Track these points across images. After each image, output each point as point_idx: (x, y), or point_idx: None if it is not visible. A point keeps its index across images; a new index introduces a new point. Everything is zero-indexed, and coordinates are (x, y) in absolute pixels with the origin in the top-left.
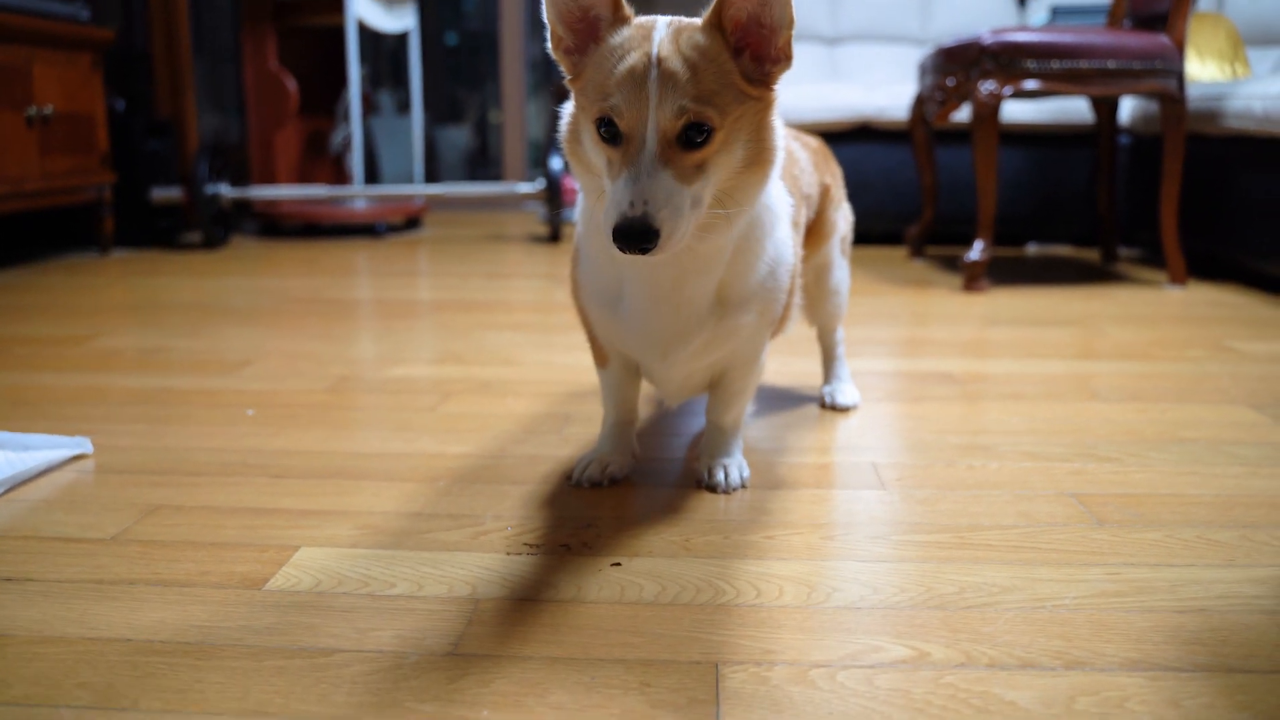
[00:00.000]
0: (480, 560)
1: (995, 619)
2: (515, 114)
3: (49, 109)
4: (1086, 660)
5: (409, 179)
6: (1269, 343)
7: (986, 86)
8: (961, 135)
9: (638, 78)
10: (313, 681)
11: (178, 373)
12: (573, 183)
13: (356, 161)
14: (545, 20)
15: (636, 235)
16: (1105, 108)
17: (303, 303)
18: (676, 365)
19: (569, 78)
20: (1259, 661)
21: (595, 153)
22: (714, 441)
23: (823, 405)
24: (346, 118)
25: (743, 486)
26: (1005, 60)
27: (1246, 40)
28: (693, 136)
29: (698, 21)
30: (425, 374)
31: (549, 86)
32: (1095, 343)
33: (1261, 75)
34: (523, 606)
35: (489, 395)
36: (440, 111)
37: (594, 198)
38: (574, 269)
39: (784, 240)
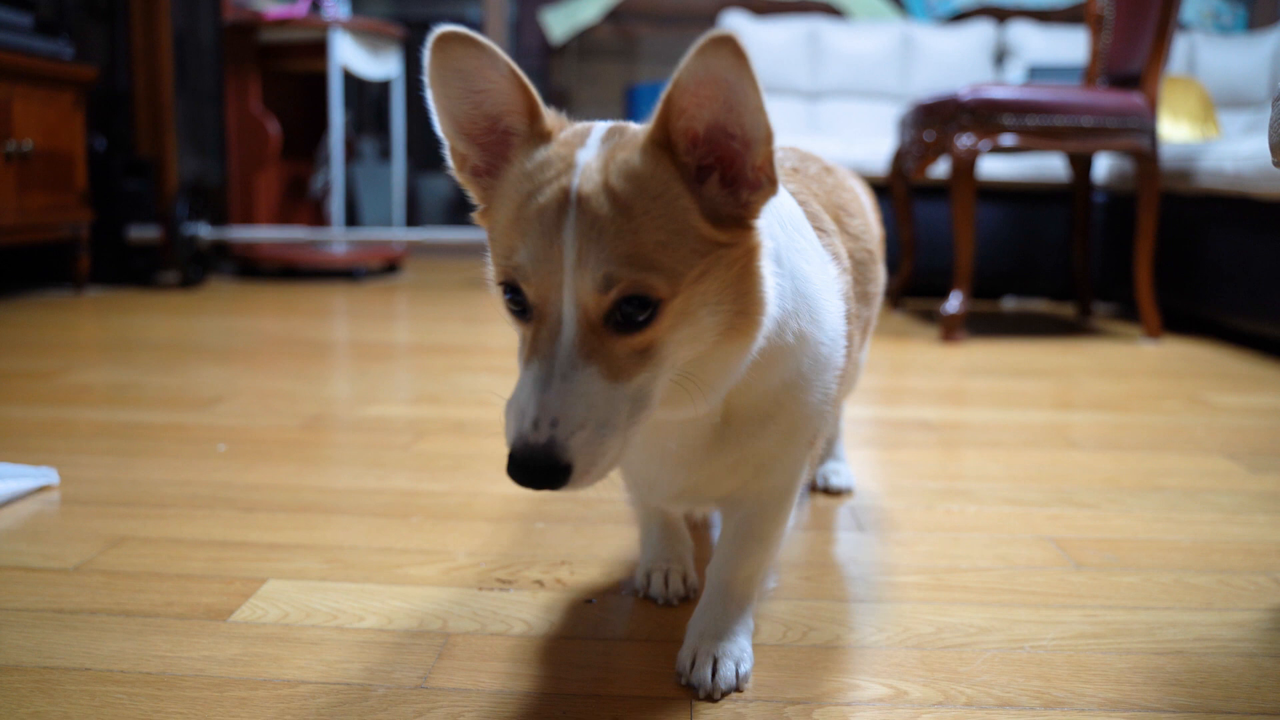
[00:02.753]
0: (452, 595)
1: (973, 659)
2: None
3: (28, 145)
4: (1066, 700)
5: (389, 225)
6: (1242, 395)
7: (964, 141)
8: (940, 190)
9: (549, 226)
10: (276, 713)
11: (148, 408)
12: None
13: (337, 205)
14: (440, 134)
15: (536, 471)
16: (1080, 165)
17: (278, 343)
18: (672, 502)
19: (480, 208)
20: (1238, 703)
21: (510, 322)
22: (710, 612)
23: (813, 487)
24: (328, 162)
25: (738, 689)
26: (983, 115)
27: (1218, 103)
28: (631, 314)
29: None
30: (400, 414)
31: None
32: (1071, 394)
33: (1232, 136)
34: (494, 641)
35: (464, 435)
36: (422, 159)
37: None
38: None
39: (834, 329)
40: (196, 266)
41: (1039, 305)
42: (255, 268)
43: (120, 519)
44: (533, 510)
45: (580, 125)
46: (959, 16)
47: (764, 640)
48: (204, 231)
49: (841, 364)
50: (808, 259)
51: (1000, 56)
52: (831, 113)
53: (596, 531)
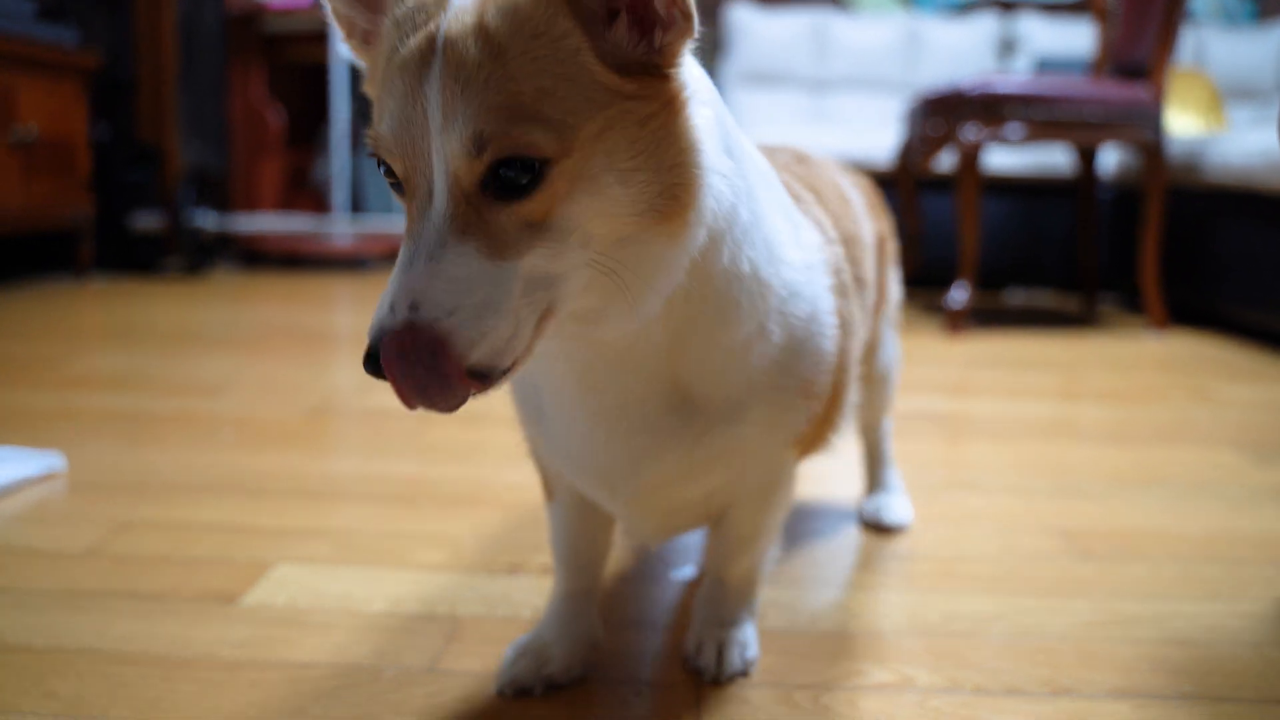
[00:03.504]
0: (460, 580)
1: (981, 646)
2: None
3: (32, 133)
4: (1074, 688)
5: (392, 213)
6: (1247, 388)
7: (969, 133)
8: (945, 183)
9: (411, 81)
10: (288, 694)
11: (153, 395)
12: None
13: (341, 195)
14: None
15: (395, 356)
16: (1086, 158)
17: (282, 331)
18: (637, 502)
19: (367, 80)
20: (1246, 691)
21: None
22: (712, 602)
23: (864, 523)
24: (331, 151)
25: (744, 673)
26: (988, 108)
27: (1225, 94)
28: (512, 179)
29: None
30: None
31: None
32: (1077, 386)
33: (1239, 128)
34: (503, 625)
35: (471, 425)
36: None
37: None
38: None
39: (811, 300)
40: (200, 255)
41: (1044, 298)
42: (259, 257)
43: (128, 504)
44: (538, 497)
45: None
46: (965, 8)
47: (771, 626)
48: (208, 220)
49: (830, 351)
50: (771, 198)
51: (1007, 48)
52: (837, 105)
53: None
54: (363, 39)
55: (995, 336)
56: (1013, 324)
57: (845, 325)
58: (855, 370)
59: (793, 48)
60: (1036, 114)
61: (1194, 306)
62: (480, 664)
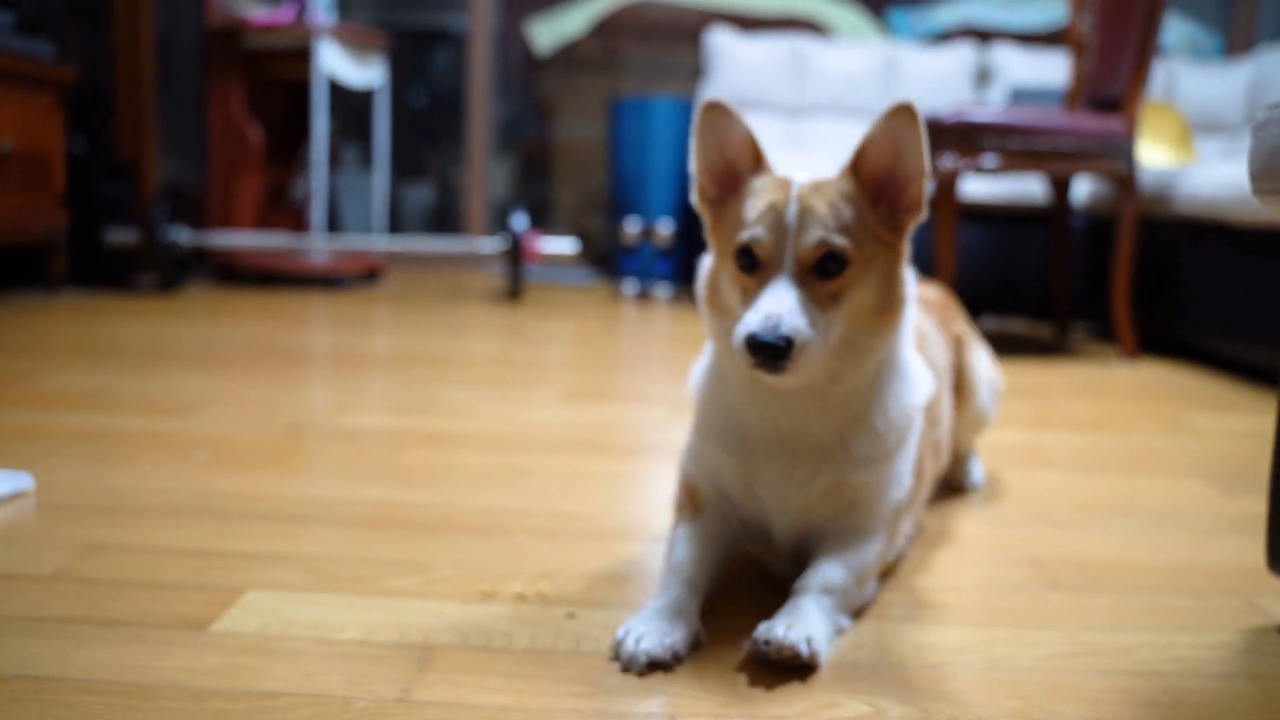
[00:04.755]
0: (433, 608)
1: (952, 678)
2: (479, 173)
3: (6, 146)
4: (1044, 719)
5: (370, 234)
6: (1217, 418)
7: (946, 161)
8: None
9: (778, 210)
10: None
11: (124, 413)
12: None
13: (318, 213)
14: (692, 172)
15: (768, 347)
16: (1060, 187)
17: (257, 350)
18: (792, 511)
19: (709, 227)
20: None
21: (731, 290)
22: (785, 608)
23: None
24: (309, 169)
25: (795, 656)
26: (965, 136)
27: (1194, 128)
28: (828, 266)
29: (834, 175)
30: (380, 424)
31: (514, 148)
32: (1048, 414)
33: (1208, 162)
34: (476, 654)
35: (443, 446)
36: (405, 169)
37: (724, 342)
38: (693, 437)
39: (916, 394)
40: (175, 271)
41: (1017, 325)
42: (235, 274)
43: (97, 526)
44: (513, 523)
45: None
46: (942, 37)
47: (745, 658)
48: (183, 236)
49: (916, 452)
50: (910, 342)
51: (982, 78)
52: (814, 130)
53: (578, 546)
54: (709, 201)
55: None
56: None
57: (921, 444)
58: (927, 480)
59: (772, 73)
60: (1012, 144)
61: (1164, 336)
62: (453, 694)
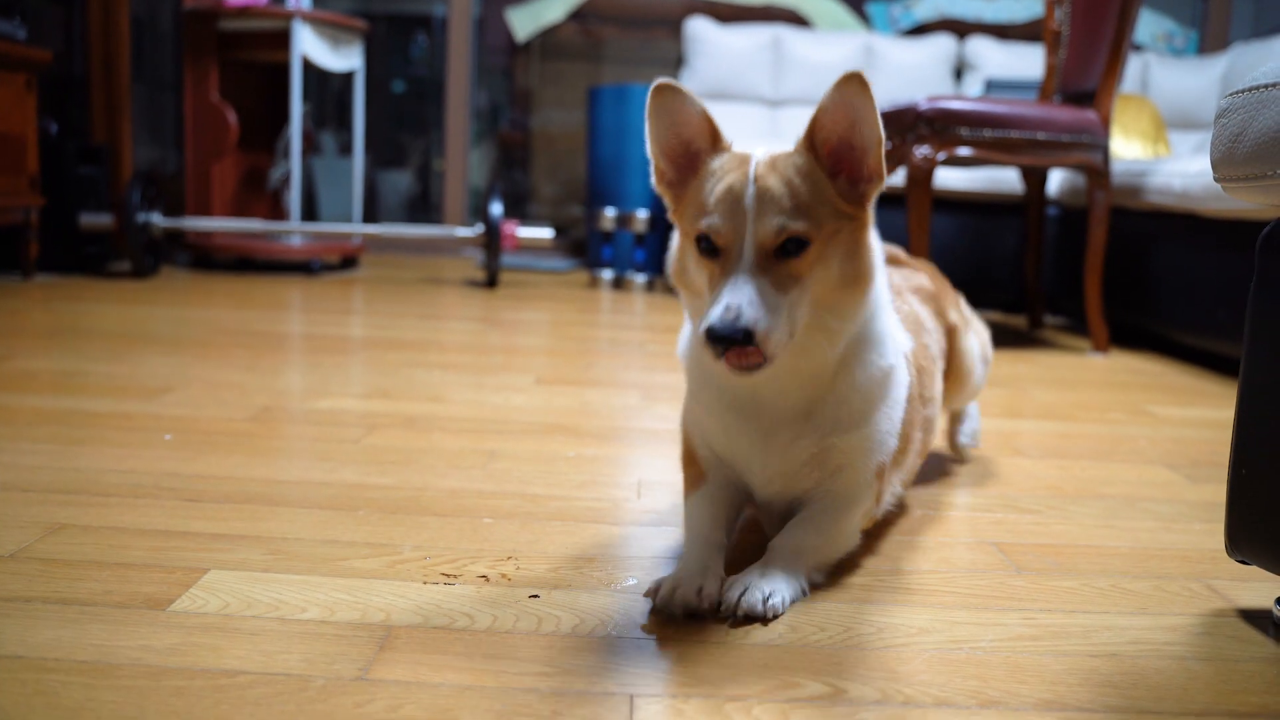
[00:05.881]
0: (396, 588)
1: (912, 659)
2: (458, 160)
3: None
4: (1001, 700)
5: (347, 220)
6: (1184, 408)
7: (921, 150)
8: (896, 199)
9: (735, 195)
10: (212, 703)
11: (93, 396)
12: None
13: (294, 198)
14: (649, 155)
15: (728, 337)
16: (1035, 179)
17: (231, 334)
18: (775, 476)
19: (672, 209)
20: (1169, 704)
21: (698, 272)
22: (759, 565)
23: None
24: (286, 154)
25: (762, 617)
26: (940, 126)
27: (1169, 123)
28: (789, 248)
29: (790, 150)
30: (351, 407)
31: (492, 135)
32: (1020, 403)
33: (1182, 156)
34: (436, 634)
35: (415, 430)
36: (383, 155)
37: (698, 319)
38: (687, 399)
39: (901, 373)
40: (149, 256)
41: (991, 316)
42: (210, 259)
43: (60, 506)
44: (480, 505)
45: (744, 149)
46: (920, 29)
47: (707, 639)
48: (158, 220)
49: (901, 415)
50: (886, 307)
51: (960, 70)
52: (793, 120)
53: (543, 527)
54: (668, 184)
55: None
56: None
57: (909, 404)
58: (913, 446)
59: (750, 63)
60: (987, 134)
61: (1135, 327)
62: (411, 673)
